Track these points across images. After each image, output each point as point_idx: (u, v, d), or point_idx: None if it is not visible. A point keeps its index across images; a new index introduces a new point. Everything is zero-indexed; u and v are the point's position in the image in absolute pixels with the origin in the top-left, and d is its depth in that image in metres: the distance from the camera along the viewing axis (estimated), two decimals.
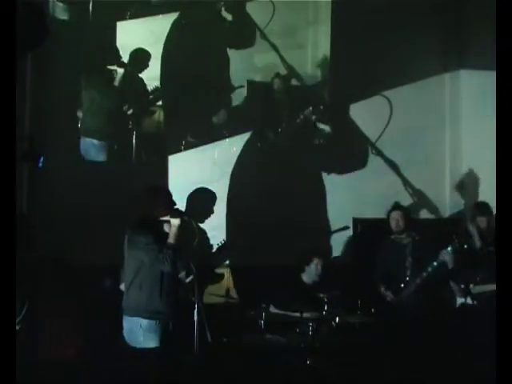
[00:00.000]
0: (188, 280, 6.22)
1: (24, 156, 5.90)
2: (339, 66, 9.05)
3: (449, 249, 7.25)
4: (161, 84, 8.64)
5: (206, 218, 7.22)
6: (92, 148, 8.43)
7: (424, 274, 7.32)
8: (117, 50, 8.48)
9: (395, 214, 7.70)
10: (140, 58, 8.52)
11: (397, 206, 7.84)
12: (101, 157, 8.42)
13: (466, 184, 9.17)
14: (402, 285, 7.45)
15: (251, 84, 9.00)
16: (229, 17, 8.90)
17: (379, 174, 9.18)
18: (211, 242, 7.72)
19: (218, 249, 7.51)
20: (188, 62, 8.79)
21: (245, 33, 8.92)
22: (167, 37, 8.77)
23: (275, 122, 8.96)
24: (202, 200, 7.32)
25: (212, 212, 7.44)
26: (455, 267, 7.30)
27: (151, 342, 6.04)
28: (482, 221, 7.67)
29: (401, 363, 6.78)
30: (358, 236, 8.82)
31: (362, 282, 7.77)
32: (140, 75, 8.59)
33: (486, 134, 8.07)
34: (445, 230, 8.14)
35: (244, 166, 8.78)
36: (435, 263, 7.28)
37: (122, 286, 6.77)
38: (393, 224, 7.69)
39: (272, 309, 7.02)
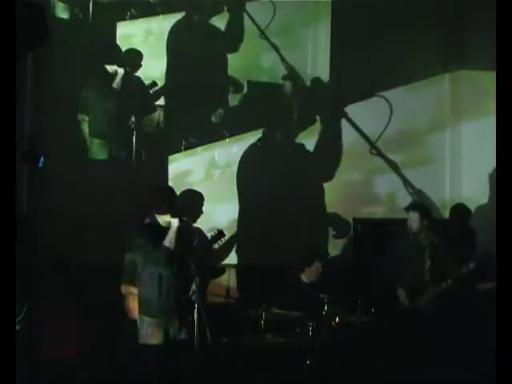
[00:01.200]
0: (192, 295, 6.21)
1: (24, 156, 5.90)
2: (339, 66, 9.04)
3: (471, 266, 7.15)
4: (161, 83, 8.66)
5: (196, 219, 7.26)
6: (92, 147, 8.44)
7: (443, 286, 7.20)
8: (117, 50, 8.49)
9: (412, 215, 7.47)
10: (133, 57, 8.52)
11: (414, 207, 7.64)
12: (101, 156, 8.43)
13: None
14: (418, 290, 7.31)
15: (251, 84, 9.00)
16: (226, 18, 8.92)
17: (379, 174, 9.17)
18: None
19: (212, 239, 7.52)
20: (188, 61, 8.79)
21: (234, 35, 8.92)
22: (168, 37, 8.77)
23: (279, 123, 8.97)
24: (190, 201, 7.36)
25: (201, 212, 7.48)
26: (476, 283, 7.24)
27: (151, 340, 6.10)
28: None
29: (401, 363, 6.79)
30: (358, 236, 8.82)
31: (362, 282, 7.76)
32: (136, 74, 8.60)
33: (486, 134, 8.08)
34: (460, 231, 8.08)
35: (245, 166, 8.79)
36: (456, 277, 7.16)
37: (122, 288, 6.82)
38: (409, 224, 7.47)
39: (274, 309, 7.01)
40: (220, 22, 8.93)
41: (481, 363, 6.39)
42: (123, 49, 8.53)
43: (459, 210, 8.22)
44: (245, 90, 8.99)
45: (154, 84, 8.58)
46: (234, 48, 8.93)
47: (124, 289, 6.87)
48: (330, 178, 9.03)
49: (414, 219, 7.44)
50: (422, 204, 8.08)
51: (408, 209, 7.61)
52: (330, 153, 9.07)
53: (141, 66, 8.54)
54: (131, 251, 6.50)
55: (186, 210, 6.71)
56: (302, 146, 9.00)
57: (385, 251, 7.72)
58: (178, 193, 7.01)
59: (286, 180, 8.76)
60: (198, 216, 7.37)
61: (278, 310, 7.02)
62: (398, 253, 7.52)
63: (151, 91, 8.60)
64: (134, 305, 6.52)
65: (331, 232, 8.96)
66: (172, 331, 6.14)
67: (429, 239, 7.45)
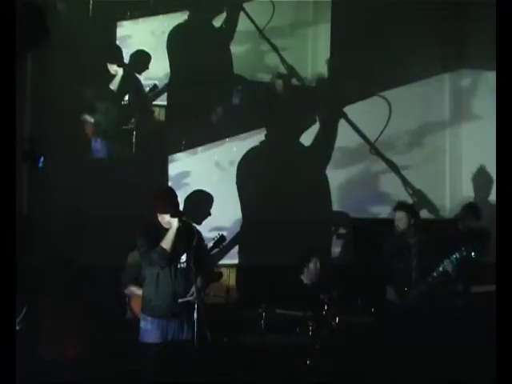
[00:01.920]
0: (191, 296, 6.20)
1: (24, 156, 5.90)
2: (339, 66, 9.04)
3: (455, 256, 7.18)
4: (161, 83, 8.67)
5: (203, 220, 7.26)
6: (92, 147, 8.45)
7: (429, 279, 7.25)
8: (117, 50, 8.49)
9: (399, 214, 7.61)
10: (140, 59, 8.53)
11: (400, 206, 7.76)
12: (101, 156, 8.43)
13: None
14: (406, 287, 7.37)
15: (251, 84, 9.00)
16: (226, 18, 8.93)
17: (379, 174, 9.17)
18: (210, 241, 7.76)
19: (214, 243, 7.52)
20: (189, 61, 8.80)
21: (233, 35, 8.93)
22: (168, 37, 8.78)
23: (277, 123, 8.97)
24: (199, 202, 7.37)
25: (209, 214, 7.48)
26: (460, 273, 7.26)
27: (151, 339, 6.13)
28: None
29: (401, 363, 6.79)
30: (358, 236, 8.82)
31: (362, 282, 7.77)
32: (139, 76, 8.60)
33: (486, 134, 8.08)
34: (449, 230, 8.11)
35: (245, 166, 8.79)
36: (441, 269, 7.20)
37: (127, 289, 6.84)
38: (397, 223, 7.62)
39: (275, 309, 7.01)
40: (219, 22, 8.93)
41: (481, 362, 6.39)
42: (123, 49, 8.53)
43: (468, 209, 8.22)
44: (244, 90, 8.99)
45: (155, 87, 8.59)
46: (234, 48, 8.93)
47: (129, 290, 6.88)
48: (329, 178, 9.03)
49: (400, 218, 7.55)
50: (408, 203, 8.13)
51: (395, 209, 7.72)
52: (329, 153, 9.07)
53: (147, 67, 8.54)
54: (134, 252, 6.52)
55: (194, 210, 6.72)
56: (302, 145, 9.00)
57: (383, 251, 7.75)
58: (187, 193, 7.04)
59: (285, 180, 8.75)
60: (205, 217, 7.38)
61: (278, 310, 7.02)
62: (391, 252, 7.59)
63: (152, 93, 8.60)
64: (138, 305, 6.54)
65: (332, 232, 8.96)
66: (172, 331, 6.15)
67: (416, 238, 7.51)
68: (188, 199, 7.37)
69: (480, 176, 8.98)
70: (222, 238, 7.63)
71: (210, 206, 7.57)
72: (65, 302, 7.40)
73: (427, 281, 7.24)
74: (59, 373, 6.55)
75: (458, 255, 7.15)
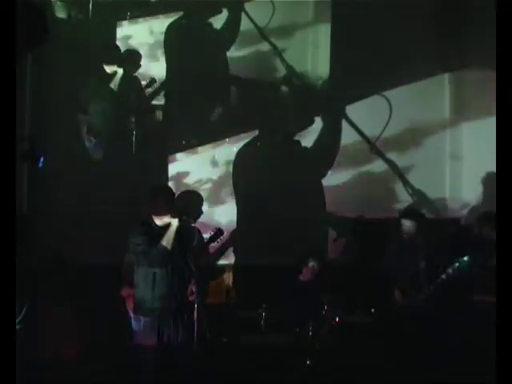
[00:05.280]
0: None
1: (24, 156, 5.89)
2: (339, 66, 9.04)
3: (465, 258, 7.15)
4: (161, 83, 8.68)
5: (197, 219, 7.27)
6: (92, 147, 8.45)
7: (438, 281, 7.22)
8: (117, 50, 8.50)
9: (405, 222, 7.50)
10: (132, 58, 8.53)
11: (409, 214, 7.65)
12: (100, 156, 8.44)
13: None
14: (414, 289, 7.35)
15: (250, 84, 9.01)
16: (226, 17, 8.93)
17: (379, 174, 9.17)
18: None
19: (210, 237, 7.50)
20: (188, 61, 8.80)
21: (233, 34, 8.94)
22: (167, 37, 8.78)
23: (279, 123, 8.97)
24: (189, 202, 7.38)
25: (201, 213, 7.50)
26: (469, 276, 7.25)
27: (149, 340, 6.09)
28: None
29: (401, 363, 6.79)
30: (359, 236, 8.82)
31: (361, 282, 7.77)
32: (136, 75, 8.61)
33: (486, 134, 8.07)
34: (455, 232, 8.10)
35: (244, 166, 8.79)
36: (450, 271, 7.17)
37: (124, 290, 6.82)
38: (403, 230, 7.52)
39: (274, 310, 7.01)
40: (219, 21, 8.93)
41: (481, 363, 6.39)
42: (123, 49, 8.54)
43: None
44: (244, 89, 9.00)
45: (153, 81, 8.57)
46: (233, 48, 8.94)
47: (125, 291, 6.87)
48: (328, 177, 9.04)
49: (406, 226, 7.49)
50: (413, 211, 7.99)
51: (401, 216, 7.63)
52: (328, 153, 9.07)
53: (140, 66, 8.55)
54: (129, 252, 6.51)
55: (186, 210, 6.72)
56: (301, 145, 9.00)
57: (383, 251, 7.74)
58: (177, 193, 7.03)
59: (284, 180, 8.76)
60: (199, 216, 7.39)
61: (277, 310, 7.02)
62: (395, 253, 7.56)
63: (151, 88, 8.58)
64: None
65: (331, 232, 8.96)
66: (170, 331, 6.13)
67: (423, 239, 7.49)
68: (178, 199, 7.38)
69: (480, 176, 8.97)
70: (220, 231, 7.58)
71: (201, 205, 7.59)
72: (64, 302, 7.41)
73: (436, 282, 7.20)
74: (59, 373, 6.56)
75: (468, 258, 7.12)
